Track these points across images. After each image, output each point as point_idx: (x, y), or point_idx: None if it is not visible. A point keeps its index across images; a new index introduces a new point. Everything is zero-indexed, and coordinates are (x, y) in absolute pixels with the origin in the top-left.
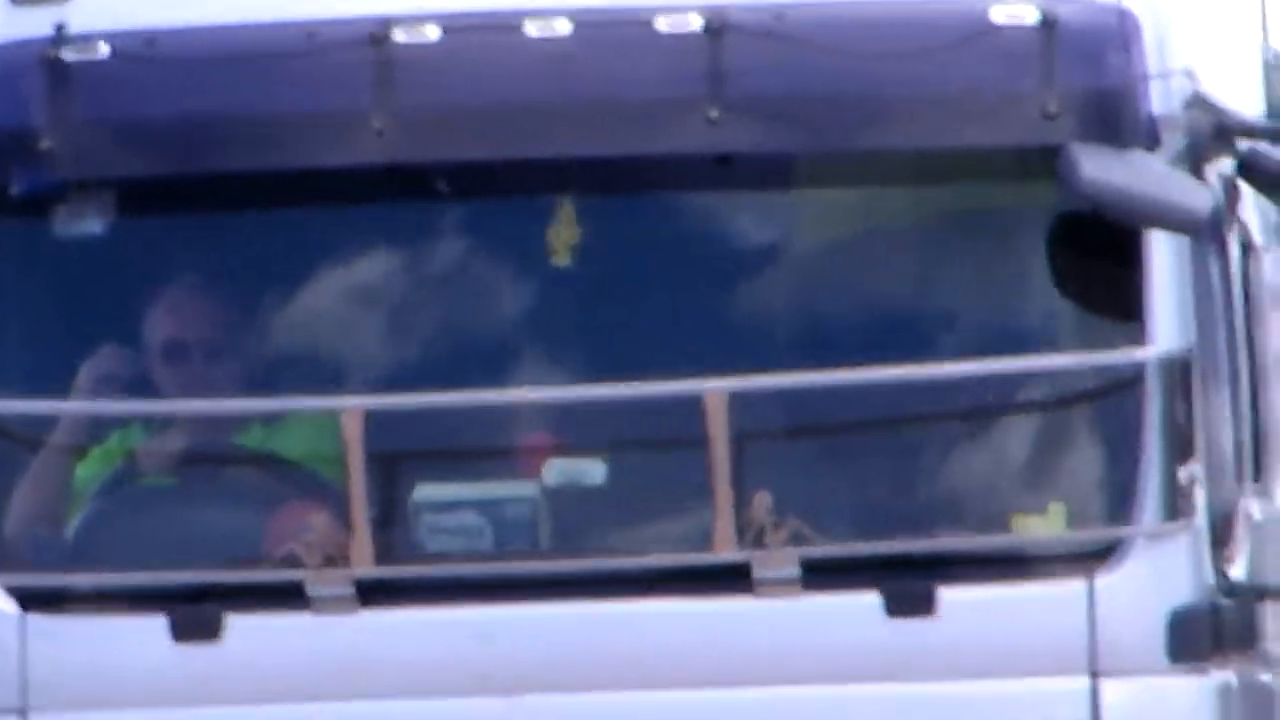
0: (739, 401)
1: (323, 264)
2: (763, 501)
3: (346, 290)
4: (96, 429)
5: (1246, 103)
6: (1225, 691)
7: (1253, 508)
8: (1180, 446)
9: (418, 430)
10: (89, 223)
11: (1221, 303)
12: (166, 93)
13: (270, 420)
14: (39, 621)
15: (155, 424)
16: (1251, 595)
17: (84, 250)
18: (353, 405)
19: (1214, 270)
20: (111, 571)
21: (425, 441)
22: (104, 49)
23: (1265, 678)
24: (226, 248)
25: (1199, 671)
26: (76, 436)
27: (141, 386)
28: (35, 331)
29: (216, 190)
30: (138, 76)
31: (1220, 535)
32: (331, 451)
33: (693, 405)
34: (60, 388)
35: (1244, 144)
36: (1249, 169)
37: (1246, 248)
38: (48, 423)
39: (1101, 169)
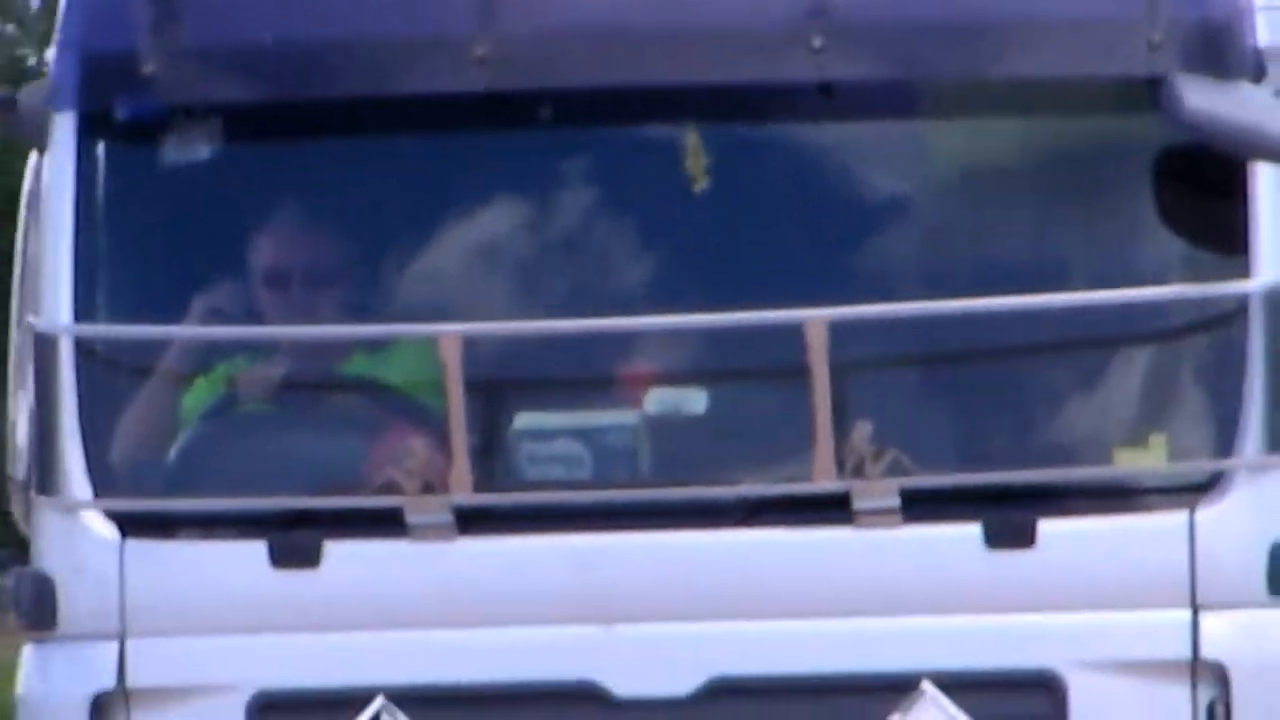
0: (840, 332)
1: (427, 192)
2: (863, 432)
3: (451, 218)
4: (202, 358)
5: None
6: None
7: None
8: None
9: (519, 359)
10: (193, 149)
11: None
12: (270, 18)
13: (374, 348)
14: (138, 546)
15: (260, 352)
16: None
17: (188, 177)
18: (451, 331)
19: None
20: (211, 497)
21: (526, 370)
22: None
23: None
24: (330, 175)
25: None
26: (182, 365)
27: (247, 315)
28: (139, 258)
29: (320, 117)
30: (241, 2)
31: None
32: (433, 379)
33: (794, 335)
34: (166, 315)
35: None
36: None
37: None
38: (153, 350)
39: (1205, 99)
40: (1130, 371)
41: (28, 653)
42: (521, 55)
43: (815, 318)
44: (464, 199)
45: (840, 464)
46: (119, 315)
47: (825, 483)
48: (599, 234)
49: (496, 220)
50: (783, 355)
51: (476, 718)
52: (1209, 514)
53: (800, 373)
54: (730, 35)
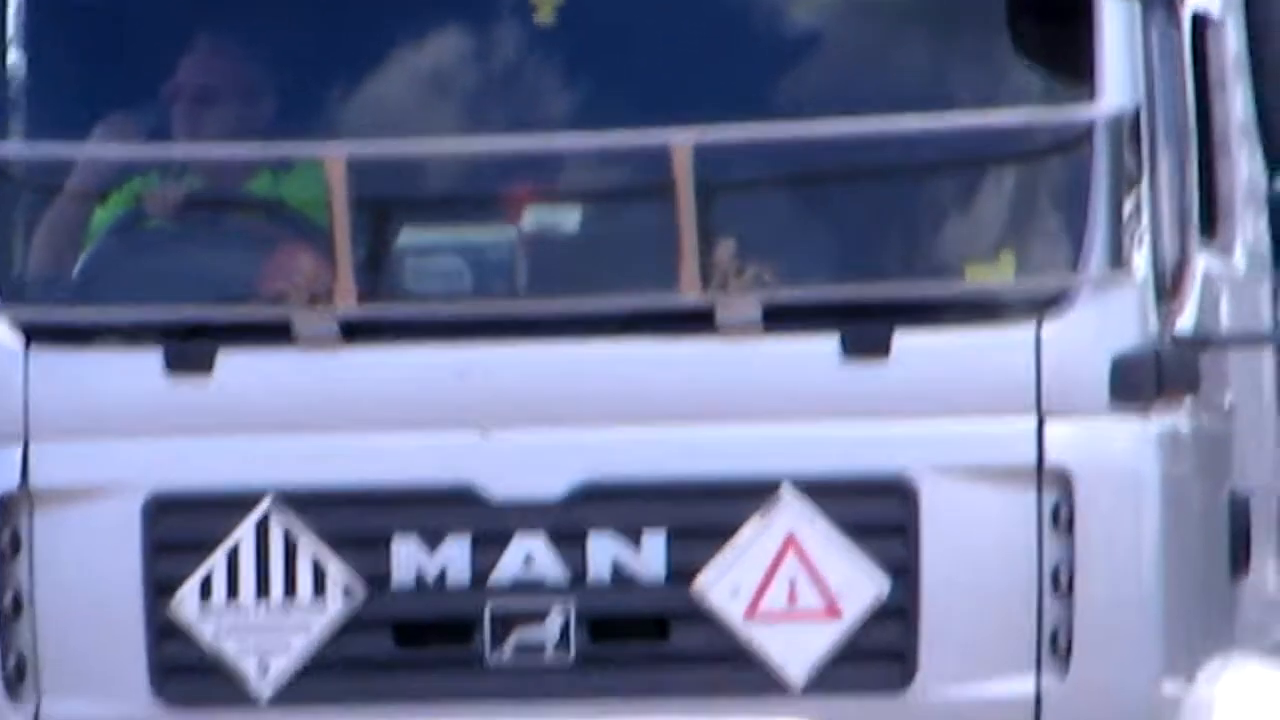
0: (706, 153)
1: (326, 24)
2: (726, 248)
3: (345, 48)
4: (109, 176)
5: None
6: (1164, 433)
7: (1204, 263)
8: (1126, 201)
9: (404, 179)
10: None
11: (1171, 67)
12: None
13: (279, 169)
14: (41, 354)
15: (169, 171)
16: (1194, 344)
17: (100, 2)
18: (335, 152)
19: (1164, 36)
20: (109, 306)
21: (410, 189)
22: None
23: (1205, 422)
24: (237, 2)
25: (1140, 414)
26: (87, 182)
27: (156, 135)
28: (51, 81)
29: None
30: None
31: (1168, 287)
32: (325, 198)
33: (662, 156)
34: (76, 135)
35: None
36: None
37: (1203, 19)
38: (60, 168)
39: None
40: (982, 193)
41: None
42: None
43: (680, 139)
44: (358, 30)
45: (705, 279)
46: (31, 135)
47: (690, 296)
48: (480, 59)
49: (387, 49)
50: (652, 175)
51: (359, 517)
52: (1054, 327)
53: (668, 192)
54: None
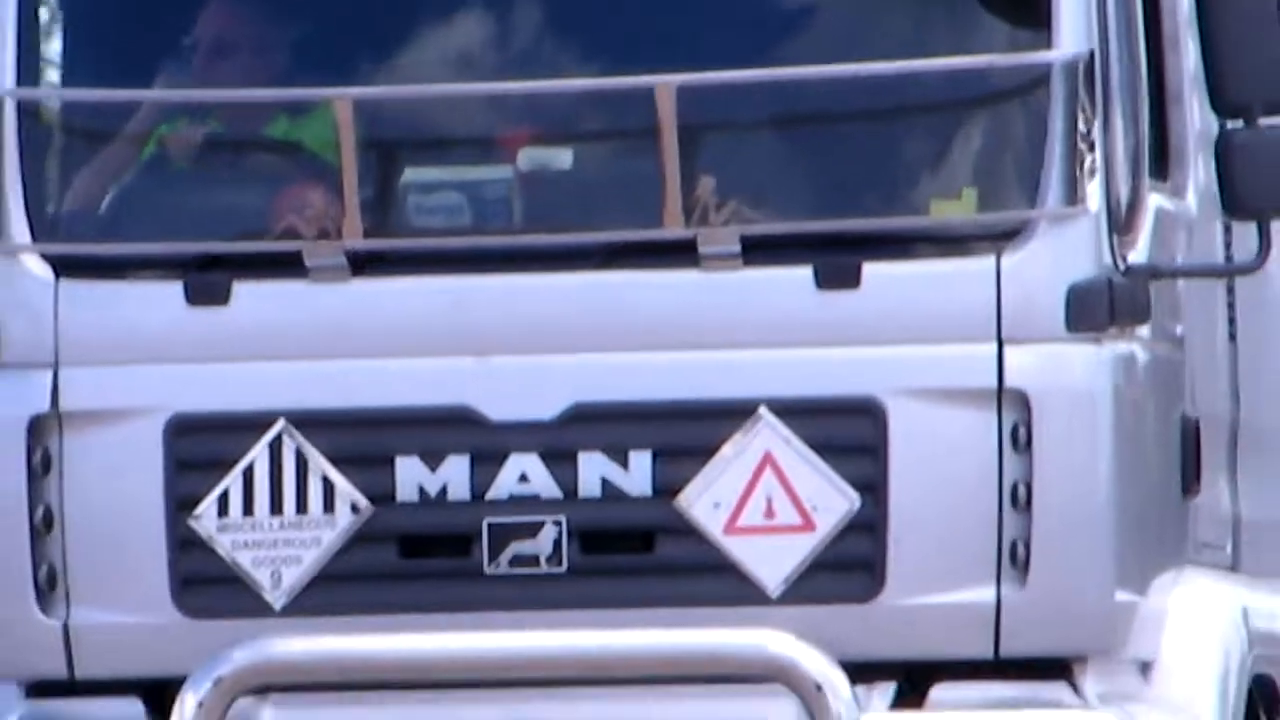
0: (688, 96)
1: None
2: (707, 185)
3: (356, 2)
4: (140, 121)
5: None
6: (1117, 358)
7: (1157, 202)
8: (1081, 141)
9: (407, 121)
10: None
11: (1124, 18)
12: None
13: (295, 114)
14: (70, 286)
15: (194, 117)
16: (1145, 275)
17: None
18: (344, 94)
19: None
20: (134, 241)
21: (413, 131)
22: None
23: (1156, 348)
24: None
25: (1094, 340)
26: (114, 126)
27: (185, 85)
28: (80, 35)
29: None
30: None
31: (1121, 223)
32: (334, 139)
33: (647, 99)
34: (109, 82)
35: None
36: None
37: None
38: (89, 112)
39: None
40: (946, 133)
41: None
42: None
43: (664, 83)
44: None
45: (688, 213)
46: (55, 82)
47: (674, 230)
48: (480, 12)
49: (395, 3)
50: (639, 117)
51: (365, 438)
52: (1013, 259)
53: (653, 133)
54: None
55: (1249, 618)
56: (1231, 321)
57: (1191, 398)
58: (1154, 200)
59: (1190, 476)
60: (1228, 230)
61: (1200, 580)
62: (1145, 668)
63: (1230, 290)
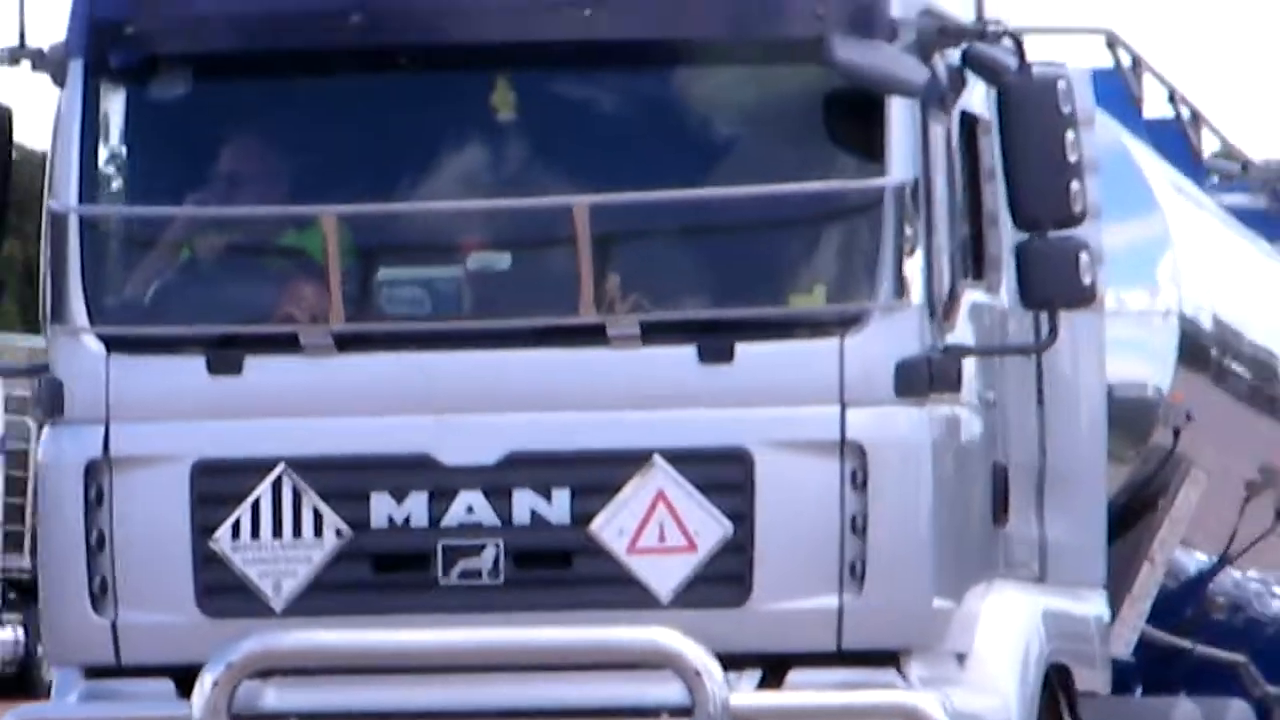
0: (599, 212)
1: (332, 119)
2: (614, 282)
3: (347, 142)
4: (179, 230)
5: (964, 12)
6: (935, 418)
7: (974, 297)
8: (907, 248)
9: (382, 231)
10: (165, 87)
11: (945, 151)
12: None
13: (300, 227)
14: (118, 359)
15: (225, 229)
16: (958, 353)
17: (161, 105)
18: (329, 210)
19: (939, 128)
20: (168, 325)
21: (387, 239)
22: None
23: (969, 410)
24: (264, 106)
25: (917, 404)
26: (153, 236)
27: (216, 203)
28: (128, 162)
29: (255, 65)
30: None
31: (941, 313)
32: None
33: (567, 214)
34: (145, 202)
35: (967, 43)
36: (968, 60)
37: (973, 118)
38: (134, 225)
39: (852, 52)
40: (801, 240)
41: (46, 432)
42: (382, 21)
43: (579, 202)
44: (357, 121)
45: (599, 304)
46: (109, 201)
47: (588, 317)
48: (443, 146)
49: (379, 142)
50: (561, 229)
51: (347, 479)
52: (854, 340)
53: (572, 241)
54: (529, 8)
55: (1048, 618)
56: (1040, 390)
57: (1002, 448)
58: (971, 296)
59: (999, 510)
60: (1037, 319)
61: (1009, 589)
62: (962, 658)
63: (1039, 365)
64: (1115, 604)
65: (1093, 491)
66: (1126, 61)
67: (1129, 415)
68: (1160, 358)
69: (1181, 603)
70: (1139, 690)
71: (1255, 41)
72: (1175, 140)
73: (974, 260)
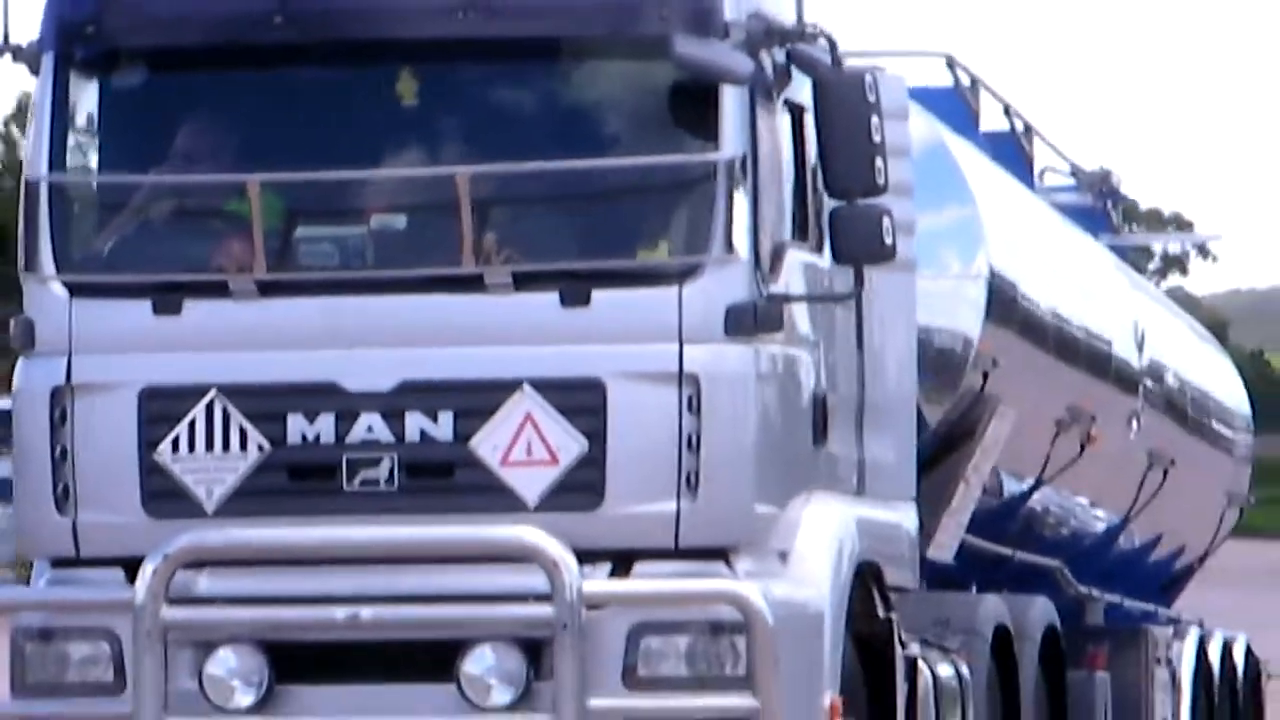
0: (478, 180)
1: (261, 102)
2: (490, 239)
3: (277, 115)
4: (133, 196)
5: (787, 15)
6: (758, 354)
7: (797, 254)
8: (736, 211)
9: (301, 196)
10: (124, 76)
11: (766, 125)
12: (156, 4)
13: (232, 192)
14: (79, 302)
15: (170, 194)
16: (779, 300)
17: (122, 91)
18: (253, 178)
19: (765, 112)
20: (120, 274)
21: (303, 202)
22: None
23: (790, 348)
24: (205, 93)
25: (744, 342)
26: (114, 199)
27: (169, 172)
28: (92, 137)
29: (197, 56)
30: None
31: (766, 267)
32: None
33: (451, 181)
34: (105, 170)
35: (790, 43)
36: (791, 57)
37: (799, 106)
38: (96, 190)
39: (689, 48)
40: (650, 205)
41: (19, 365)
42: (303, 21)
43: (461, 171)
44: (278, 104)
45: (477, 257)
46: (75, 172)
47: (469, 268)
48: (352, 125)
49: (295, 117)
50: (448, 195)
51: (268, 402)
52: (691, 288)
53: (455, 205)
54: (423, 11)
55: (862, 523)
56: (860, 335)
57: (823, 382)
58: (796, 255)
59: (819, 433)
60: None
61: (829, 499)
62: (784, 556)
63: (859, 314)
64: (935, 518)
65: (904, 421)
66: (966, 81)
67: (944, 361)
68: (971, 315)
69: (1007, 518)
70: (973, 590)
71: (1087, 63)
72: (1010, 149)
73: (800, 225)
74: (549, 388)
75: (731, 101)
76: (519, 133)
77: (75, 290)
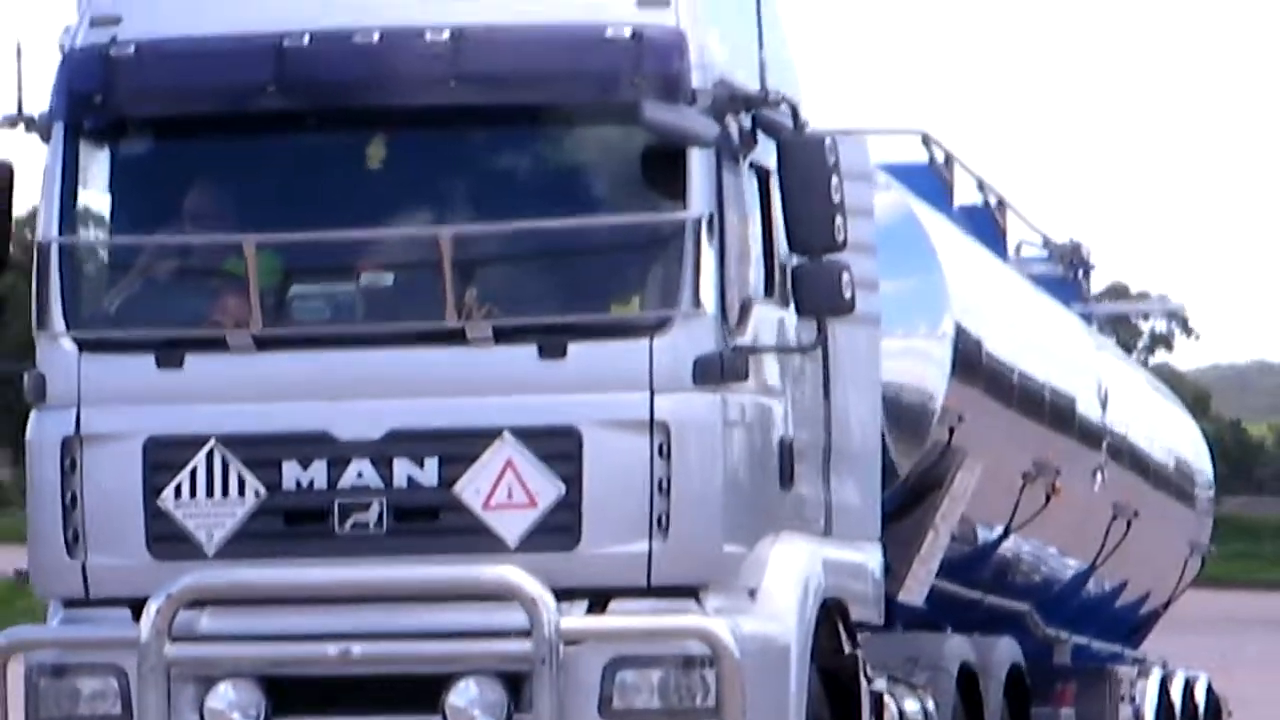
0: (462, 240)
1: (256, 166)
2: (472, 294)
3: (271, 177)
4: (138, 256)
5: (752, 83)
6: (726, 402)
7: (763, 308)
8: (704, 268)
9: (294, 256)
10: (130, 144)
11: (733, 185)
12: (159, 76)
13: (238, 254)
14: (87, 357)
15: (172, 254)
16: (745, 352)
17: (129, 157)
18: (249, 239)
19: (731, 174)
20: (126, 330)
21: (297, 262)
22: (131, 50)
23: (756, 396)
24: (204, 158)
25: (711, 391)
26: (121, 260)
27: (166, 234)
28: (100, 199)
29: (196, 124)
30: (143, 66)
31: (733, 321)
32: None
33: (433, 241)
34: (115, 233)
35: (754, 109)
36: (756, 121)
37: (765, 169)
38: (103, 252)
39: (659, 113)
40: (622, 262)
41: (32, 415)
42: (293, 92)
43: (444, 232)
44: (271, 168)
45: (460, 312)
46: (84, 234)
47: (452, 323)
48: (342, 187)
49: (288, 179)
50: (431, 254)
51: (264, 450)
52: (661, 340)
53: (438, 263)
54: (406, 81)
55: (828, 563)
56: (826, 385)
57: (789, 428)
58: (762, 309)
59: (786, 476)
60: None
61: (796, 539)
62: (753, 593)
63: (826, 366)
64: (905, 563)
65: (869, 466)
66: (940, 157)
67: (912, 416)
68: (937, 373)
69: (977, 564)
70: (948, 631)
71: (1065, 140)
72: (985, 222)
73: (768, 281)
74: (528, 435)
75: (699, 164)
76: (499, 194)
77: (84, 346)
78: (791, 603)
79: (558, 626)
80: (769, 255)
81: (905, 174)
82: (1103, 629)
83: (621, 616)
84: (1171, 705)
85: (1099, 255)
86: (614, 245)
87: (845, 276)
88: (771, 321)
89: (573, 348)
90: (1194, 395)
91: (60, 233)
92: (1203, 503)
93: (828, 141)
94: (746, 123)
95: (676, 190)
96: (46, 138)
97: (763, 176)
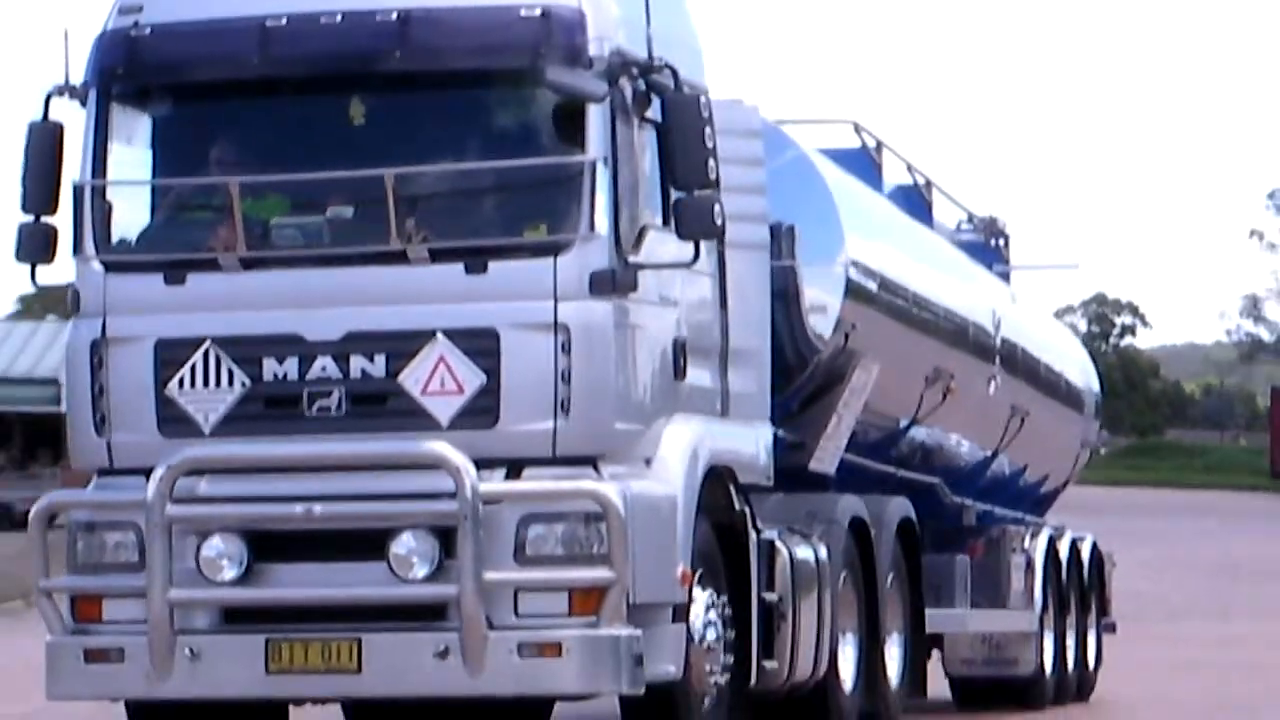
0: (404, 178)
1: (249, 122)
2: (411, 223)
3: (262, 133)
4: (154, 196)
5: (642, 53)
6: (616, 307)
7: (657, 233)
8: (598, 199)
9: (276, 193)
10: (154, 106)
11: (625, 134)
12: (169, 52)
13: (227, 192)
14: (112, 277)
15: (180, 194)
16: (635, 268)
17: (156, 117)
18: (234, 180)
19: (624, 125)
20: (141, 254)
21: (277, 197)
22: (148, 32)
23: (647, 304)
24: (208, 116)
25: (605, 300)
26: (143, 198)
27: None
28: (129, 149)
29: (201, 90)
30: (157, 44)
31: (630, 243)
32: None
33: (381, 180)
34: (142, 174)
35: (644, 73)
36: (648, 84)
37: (659, 124)
38: (130, 192)
39: (560, 75)
40: (533, 196)
41: (70, 323)
42: (276, 62)
43: (389, 172)
44: (262, 124)
45: (402, 237)
46: (111, 175)
47: (396, 245)
48: (316, 137)
49: (276, 132)
50: (381, 190)
51: (249, 348)
52: (564, 259)
53: (384, 198)
54: (363, 52)
55: (718, 435)
56: (723, 296)
57: (683, 330)
58: (657, 234)
59: (679, 369)
60: (697, 247)
61: (691, 419)
62: (649, 461)
63: (722, 282)
64: (815, 440)
65: (760, 362)
66: (872, 143)
67: (815, 324)
68: (833, 291)
69: (891, 446)
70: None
71: (991, 125)
72: (915, 199)
73: (665, 213)
74: (457, 336)
75: (595, 117)
76: (436, 142)
77: (109, 267)
78: (679, 467)
79: (477, 489)
80: (666, 193)
81: (841, 158)
82: (1009, 501)
83: (530, 482)
84: (1058, 555)
85: (1079, 245)
86: (527, 183)
87: (716, 208)
88: (667, 245)
89: (493, 265)
90: (1148, 365)
91: (93, 177)
92: (1090, 409)
93: (702, 99)
94: (641, 85)
95: (577, 138)
96: (84, 103)
97: (660, 130)
